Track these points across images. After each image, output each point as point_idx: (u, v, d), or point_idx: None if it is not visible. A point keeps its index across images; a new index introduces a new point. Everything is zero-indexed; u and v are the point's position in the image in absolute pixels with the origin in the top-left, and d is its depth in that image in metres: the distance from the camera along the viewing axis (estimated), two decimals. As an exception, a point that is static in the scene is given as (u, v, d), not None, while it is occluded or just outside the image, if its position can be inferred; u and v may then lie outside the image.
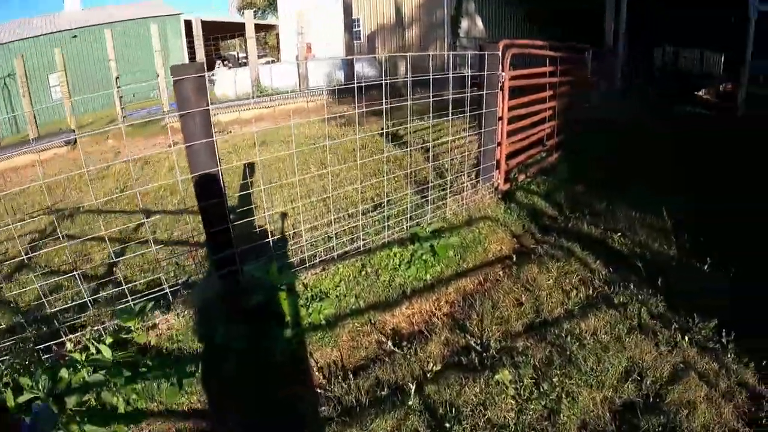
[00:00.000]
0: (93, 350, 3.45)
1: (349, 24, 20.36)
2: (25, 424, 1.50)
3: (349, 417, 3.17)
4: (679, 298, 4.24)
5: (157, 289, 4.02)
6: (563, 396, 3.21)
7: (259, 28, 35.08)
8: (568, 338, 3.73)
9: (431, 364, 3.53)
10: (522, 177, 6.99)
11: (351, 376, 3.49)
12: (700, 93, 16.92)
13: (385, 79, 4.87)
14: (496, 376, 3.34)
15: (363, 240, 4.85)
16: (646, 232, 5.59)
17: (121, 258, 5.61)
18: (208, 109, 3.53)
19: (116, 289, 4.10)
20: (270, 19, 41.58)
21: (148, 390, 3.39)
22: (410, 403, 3.18)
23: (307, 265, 4.46)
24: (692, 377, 3.37)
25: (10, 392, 3.06)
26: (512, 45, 6.23)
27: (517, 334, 3.87)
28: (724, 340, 3.65)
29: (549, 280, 4.61)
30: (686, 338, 3.72)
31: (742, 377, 3.38)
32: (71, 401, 3.11)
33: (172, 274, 4.82)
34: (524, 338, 3.82)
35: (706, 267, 4.71)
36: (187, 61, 29.08)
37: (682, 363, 3.50)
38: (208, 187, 3.68)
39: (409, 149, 5.51)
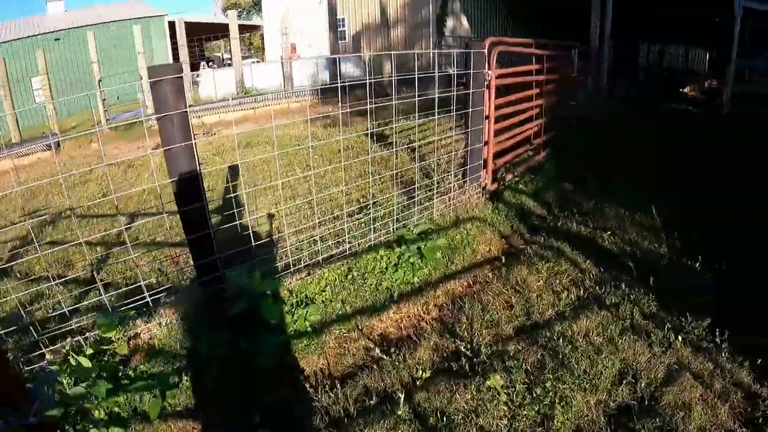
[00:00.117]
0: (73, 362, 3.33)
1: (334, 24, 20.31)
2: (33, 388, 1.47)
3: (336, 428, 3.08)
4: (671, 297, 4.18)
5: (139, 297, 3.90)
6: (557, 401, 3.14)
7: (243, 28, 34.99)
8: (560, 341, 3.65)
9: (420, 371, 3.43)
10: (509, 176, 6.93)
11: (338, 384, 3.39)
12: (686, 90, 17.03)
13: (370, 79, 4.78)
14: (488, 382, 3.26)
15: (349, 243, 4.75)
16: (635, 230, 5.56)
17: (102, 265, 5.49)
18: (187, 111, 3.41)
19: (97, 299, 4.00)
20: (255, 20, 41.50)
21: (130, 402, 3.28)
22: (399, 412, 3.08)
23: (292, 270, 4.35)
24: (687, 378, 3.31)
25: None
26: (499, 43, 6.16)
27: (507, 338, 3.79)
28: (717, 340, 3.60)
29: (539, 281, 4.53)
30: (680, 338, 3.66)
31: (737, 377, 3.33)
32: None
33: (154, 281, 4.71)
34: (515, 342, 3.73)
35: (697, 265, 4.68)
36: (171, 62, 28.89)
37: (676, 364, 3.44)
38: (188, 192, 3.56)
39: (394, 149, 5.41)
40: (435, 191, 5.63)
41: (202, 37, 31.61)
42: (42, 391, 1.73)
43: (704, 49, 18.86)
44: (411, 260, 4.64)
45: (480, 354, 3.56)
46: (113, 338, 3.67)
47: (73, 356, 3.36)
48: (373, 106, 4.67)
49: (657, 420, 2.97)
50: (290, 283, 4.26)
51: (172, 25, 25.69)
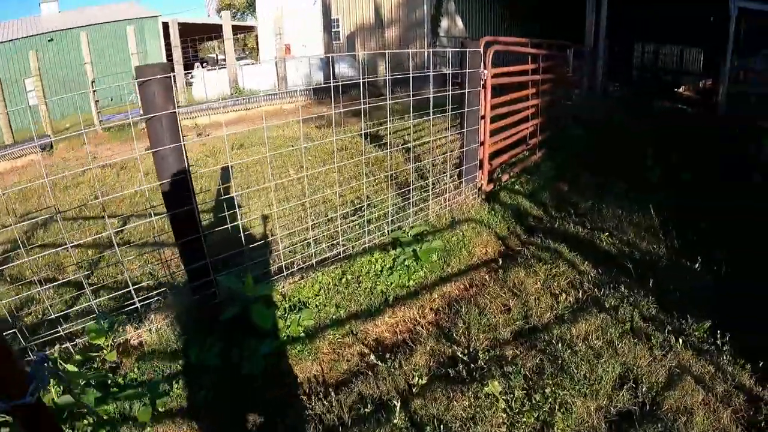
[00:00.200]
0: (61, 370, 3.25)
1: (328, 24, 20.23)
2: (30, 370, 1.44)
3: (331, 437, 3.00)
4: (670, 298, 4.15)
5: (128, 303, 3.82)
6: (556, 407, 3.06)
7: (238, 29, 34.86)
8: (559, 345, 3.58)
9: (417, 378, 3.34)
10: (505, 177, 6.86)
11: (332, 391, 3.30)
12: (680, 90, 17.03)
13: (364, 78, 4.70)
14: (486, 389, 3.17)
15: (343, 246, 4.67)
16: (633, 230, 5.51)
17: (93, 269, 5.40)
18: (176, 112, 3.32)
19: (87, 304, 3.91)
20: (249, 21, 41.36)
21: (119, 411, 3.19)
22: (395, 420, 2.99)
23: (285, 273, 4.27)
24: (688, 382, 3.25)
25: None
26: (494, 42, 6.09)
27: (505, 342, 3.71)
28: (718, 342, 3.54)
29: (537, 284, 4.45)
30: (680, 341, 3.60)
31: (739, 380, 3.28)
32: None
33: (145, 285, 4.62)
34: (513, 346, 3.65)
35: (696, 266, 4.63)
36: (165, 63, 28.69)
37: (677, 367, 3.38)
38: (177, 195, 3.47)
39: (388, 150, 5.33)
40: (430, 192, 5.55)
41: (195, 38, 31.50)
42: (38, 372, 1.67)
43: (699, 49, 18.86)
44: (406, 263, 4.56)
45: (477, 359, 3.48)
46: (102, 345, 3.58)
47: (61, 363, 3.28)
48: (368, 106, 4.58)
49: (659, 425, 2.91)
50: (283, 287, 4.18)
51: (166, 26, 25.60)
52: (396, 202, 5.64)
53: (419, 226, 4.99)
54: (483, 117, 5.97)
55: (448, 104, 5.47)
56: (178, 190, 3.46)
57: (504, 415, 3.04)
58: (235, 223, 3.95)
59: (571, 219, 5.83)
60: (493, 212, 5.89)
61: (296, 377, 3.56)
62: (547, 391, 3.16)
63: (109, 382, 3.38)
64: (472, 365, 3.43)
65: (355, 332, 3.92)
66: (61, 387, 3.08)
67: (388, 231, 4.96)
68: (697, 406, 3.07)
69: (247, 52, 39.41)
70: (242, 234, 3.97)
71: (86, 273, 4.98)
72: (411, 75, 4.86)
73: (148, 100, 3.24)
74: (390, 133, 6.11)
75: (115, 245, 3.75)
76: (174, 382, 3.43)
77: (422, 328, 3.98)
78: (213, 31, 31.94)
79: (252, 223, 5.84)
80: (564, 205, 6.28)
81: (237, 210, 4.31)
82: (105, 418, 3.12)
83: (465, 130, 5.77)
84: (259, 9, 29.77)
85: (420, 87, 4.99)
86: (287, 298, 4.10)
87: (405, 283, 4.45)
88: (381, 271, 4.53)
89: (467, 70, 5.61)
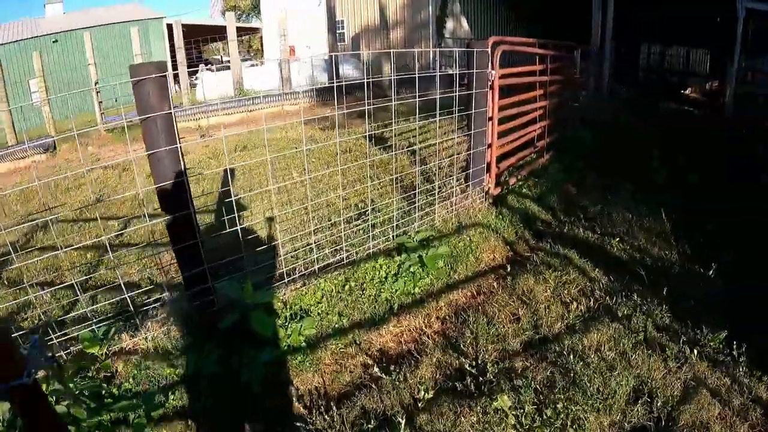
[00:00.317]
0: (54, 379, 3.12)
1: (333, 26, 20.13)
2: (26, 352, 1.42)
3: (332, 454, 2.86)
4: (684, 306, 4.01)
5: (124, 310, 3.70)
6: (569, 423, 2.92)
7: (243, 31, 34.85)
8: (571, 356, 3.43)
9: (422, 391, 3.19)
10: (513, 180, 6.72)
11: (334, 405, 3.16)
12: (687, 92, 16.91)
13: (368, 78, 4.56)
14: (495, 403, 3.03)
15: (346, 252, 4.53)
16: (644, 235, 5.38)
17: (91, 273, 5.27)
18: (171, 113, 3.18)
19: (83, 310, 3.79)
20: (254, 23, 41.33)
21: (115, 419, 3.06)
22: (400, 437, 2.86)
23: (287, 280, 4.13)
24: (704, 395, 3.12)
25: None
26: (502, 42, 5.95)
27: (515, 353, 3.56)
28: (734, 353, 3.42)
29: (546, 291, 4.31)
30: (695, 351, 3.47)
31: (756, 392, 3.15)
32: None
33: (143, 290, 4.49)
34: (523, 358, 3.51)
35: (710, 273, 4.49)
36: (169, 64, 28.69)
37: (693, 380, 3.25)
38: (173, 199, 3.34)
39: (394, 153, 5.18)
40: (437, 196, 5.41)
41: (199, 39, 31.47)
42: (33, 355, 1.67)
43: (706, 51, 18.72)
44: (412, 269, 4.42)
45: (486, 372, 3.33)
46: (97, 353, 3.46)
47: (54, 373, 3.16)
48: (372, 107, 4.44)
49: (675, 443, 2.76)
50: (284, 294, 4.05)
51: (170, 27, 25.53)
52: (401, 206, 5.50)
53: (425, 231, 4.85)
54: (490, 118, 5.83)
55: (455, 105, 5.33)
56: (175, 194, 3.33)
57: (514, 432, 2.90)
58: (235, 228, 3.81)
59: (580, 223, 5.69)
60: (500, 216, 5.75)
61: (297, 389, 3.42)
62: (559, 406, 3.02)
63: (104, 392, 3.27)
64: (481, 378, 3.28)
65: (358, 342, 3.77)
66: (54, 397, 2.96)
67: (393, 236, 4.81)
68: (714, 420, 2.95)
69: (252, 54, 39.38)
70: (242, 239, 3.84)
71: (83, 278, 4.84)
72: (417, 75, 4.72)
73: (142, 100, 3.11)
74: (395, 135, 5.95)
75: (110, 252, 3.63)
76: (170, 393, 3.30)
77: (428, 338, 3.83)
78: (217, 33, 31.92)
79: (253, 228, 5.70)
80: (573, 209, 6.14)
81: (238, 214, 4.18)
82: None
83: (472, 132, 5.63)
84: (263, 11, 29.76)
85: (425, 88, 4.85)
86: (288, 306, 3.96)
87: (410, 290, 4.30)
88: (385, 277, 4.38)
89: (474, 71, 5.46)
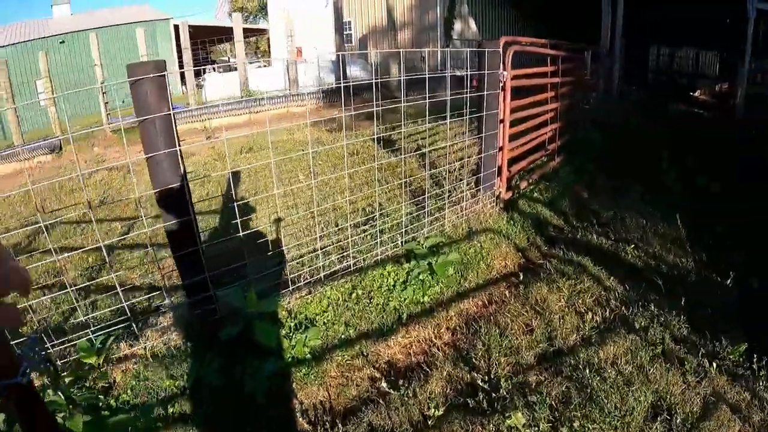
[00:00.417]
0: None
1: (340, 27, 20.03)
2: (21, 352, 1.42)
3: (337, 475, 2.72)
4: (702, 316, 3.87)
5: (123, 318, 3.57)
6: (586, 443, 2.77)
7: (250, 32, 34.81)
8: (587, 370, 3.28)
9: (432, 408, 3.04)
10: (524, 184, 6.56)
11: (340, 421, 3.01)
12: (696, 93, 16.77)
13: (377, 79, 4.42)
14: (508, 421, 2.88)
15: (353, 258, 4.39)
16: (659, 241, 5.24)
17: (89, 282, 5.15)
18: (170, 114, 3.04)
19: (81, 318, 3.68)
20: (261, 24, 41.32)
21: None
22: (409, 457, 2.71)
23: (291, 288, 3.99)
24: (724, 411, 2.98)
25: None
26: (514, 42, 5.81)
27: (528, 367, 3.40)
28: (755, 366, 3.27)
29: (560, 301, 4.15)
30: (714, 365, 3.31)
31: (776, 408, 2.98)
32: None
33: (143, 297, 4.36)
34: (537, 371, 3.35)
35: (728, 282, 4.34)
36: (176, 65, 28.71)
37: (712, 395, 3.09)
38: (172, 204, 3.20)
39: (403, 156, 5.03)
40: (446, 201, 5.26)
41: (206, 40, 31.45)
42: (28, 354, 1.55)
43: (715, 52, 18.54)
44: (421, 277, 4.27)
45: (499, 387, 3.18)
46: (93, 363, 3.34)
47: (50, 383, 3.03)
48: (380, 109, 4.30)
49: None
50: (289, 302, 3.91)
51: (178, 28, 25.50)
52: (410, 211, 5.35)
53: (434, 237, 4.71)
54: (502, 121, 5.68)
55: (465, 107, 5.19)
56: (175, 199, 3.19)
57: (529, 453, 2.75)
58: (238, 235, 3.68)
59: (593, 229, 5.54)
60: (512, 222, 5.60)
61: (302, 402, 3.27)
62: (576, 424, 2.86)
63: (101, 404, 3.15)
64: (494, 394, 3.13)
65: (365, 353, 3.62)
66: (51, 408, 2.84)
67: (401, 242, 4.67)
68: (733, 438, 2.78)
69: (259, 55, 39.36)
70: (246, 245, 3.70)
71: (84, 283, 4.72)
72: (427, 76, 4.57)
73: (140, 101, 2.97)
74: (404, 138, 5.79)
75: (110, 256, 3.50)
76: (169, 406, 3.17)
77: (438, 350, 3.67)
78: (225, 34, 31.89)
79: (258, 233, 5.57)
80: (585, 213, 6.00)
81: (243, 218, 4.04)
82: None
83: (483, 135, 5.48)
84: (270, 12, 29.76)
85: (433, 89, 4.69)
86: (293, 315, 3.82)
87: (419, 299, 4.15)
88: (394, 285, 4.23)
89: (486, 72, 5.32)
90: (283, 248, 4.37)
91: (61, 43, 27.29)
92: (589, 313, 3.94)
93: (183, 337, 3.56)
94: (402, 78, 4.33)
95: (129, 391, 3.28)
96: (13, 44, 25.73)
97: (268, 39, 32.97)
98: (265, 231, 5.61)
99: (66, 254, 5.14)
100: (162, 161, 3.08)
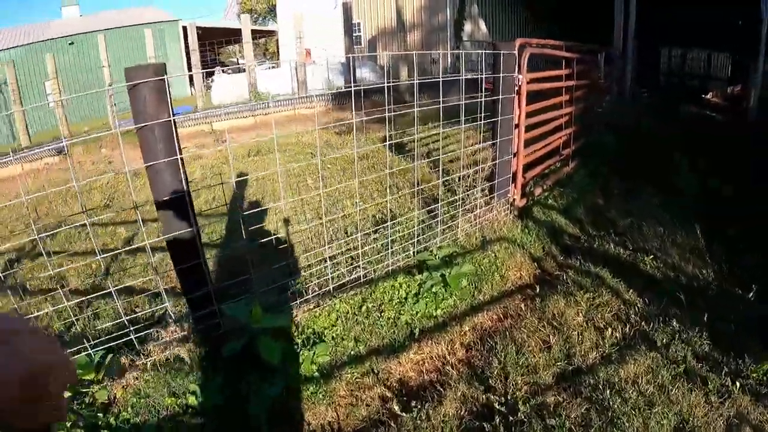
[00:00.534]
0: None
1: (350, 28, 19.89)
2: None
3: (345, 504, 2.56)
4: (724, 331, 3.71)
5: (122, 333, 3.43)
6: (608, 470, 2.61)
7: (259, 34, 34.78)
8: (607, 391, 3.12)
9: (446, 432, 2.89)
10: (538, 191, 6.39)
11: (348, 445, 2.87)
12: (708, 96, 16.60)
13: (388, 82, 4.26)
14: (527, 447, 2.72)
15: (364, 269, 4.22)
16: (677, 251, 5.07)
17: (85, 297, 5.03)
18: (171, 121, 2.88)
19: (83, 328, 3.56)
20: (270, 26, 41.30)
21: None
22: (422, 486, 2.55)
23: (299, 300, 3.83)
24: (747, 434, 2.80)
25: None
26: (529, 44, 5.65)
27: (547, 387, 3.24)
28: (778, 385, 3.09)
29: (578, 315, 3.98)
30: (738, 384, 3.15)
31: (800, 430, 2.84)
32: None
33: (145, 311, 4.22)
34: (555, 392, 3.19)
35: (750, 295, 4.17)
36: (185, 67, 28.71)
37: (735, 417, 2.94)
38: (173, 215, 3.04)
39: (416, 163, 4.86)
40: (460, 209, 5.09)
41: (214, 42, 31.44)
42: None
43: (728, 54, 18.33)
44: (434, 289, 4.10)
45: (517, 410, 3.01)
46: (93, 380, 3.21)
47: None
48: (392, 114, 4.14)
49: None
50: (296, 316, 3.75)
51: (186, 30, 25.46)
52: (422, 219, 5.19)
53: (448, 247, 4.54)
54: (517, 126, 5.52)
55: (480, 111, 5.02)
56: (176, 211, 3.03)
57: (549, 482, 2.59)
58: (242, 244, 3.54)
59: (610, 238, 5.38)
60: (526, 230, 5.42)
61: (309, 423, 3.12)
62: (598, 450, 2.71)
63: (100, 422, 3.02)
64: (511, 417, 2.96)
65: (375, 371, 3.46)
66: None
67: (413, 252, 4.50)
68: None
69: (268, 57, 39.33)
70: (251, 257, 3.56)
71: (78, 300, 4.59)
72: (441, 79, 4.41)
73: (138, 107, 2.80)
74: (416, 143, 5.61)
75: (108, 270, 3.37)
76: (170, 425, 3.03)
77: (452, 367, 3.50)
78: (233, 36, 31.88)
79: (264, 242, 5.44)
80: (602, 221, 5.84)
81: (249, 227, 3.90)
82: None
83: (498, 140, 5.30)
84: (279, 13, 29.72)
85: (445, 93, 4.52)
86: (300, 329, 3.66)
87: (432, 312, 3.99)
88: (405, 298, 4.07)
89: (501, 75, 5.15)
90: (291, 258, 4.22)
91: (70, 44, 27.30)
92: (609, 329, 3.77)
93: (186, 352, 3.42)
94: (415, 81, 4.16)
95: (129, 409, 3.15)
96: (22, 45, 25.74)
97: (277, 41, 32.92)
98: (272, 240, 5.48)
99: (65, 267, 5.02)
100: (162, 170, 2.92)
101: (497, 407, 3.05)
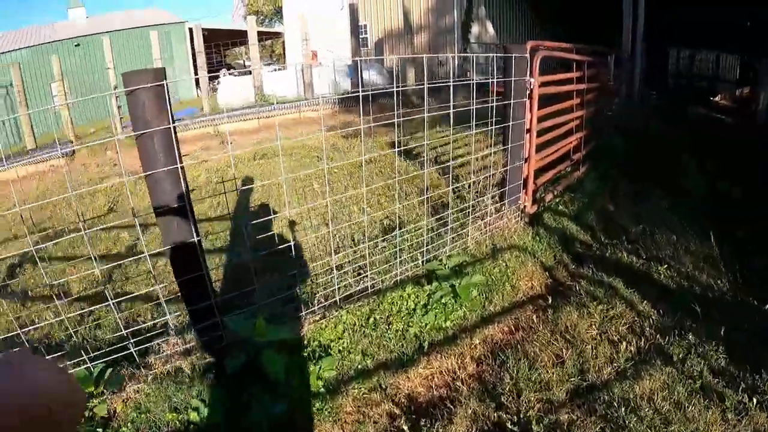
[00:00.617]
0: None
1: (356, 30, 19.82)
2: None
3: None
4: (740, 343, 3.57)
5: (122, 346, 3.34)
6: (625, 494, 2.50)
7: (265, 36, 34.77)
8: (622, 408, 2.99)
9: (458, 454, 2.77)
10: (549, 196, 6.26)
11: (355, 466, 2.76)
12: (716, 98, 16.45)
13: (397, 87, 4.15)
14: (541, 470, 2.61)
15: (371, 279, 4.11)
16: (691, 260, 4.93)
17: (85, 310, 4.94)
18: (171, 128, 2.77)
19: (83, 337, 3.48)
20: (276, 27, 41.29)
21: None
22: None
23: (304, 312, 3.73)
24: (765, 454, 2.67)
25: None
26: (541, 47, 5.53)
27: (560, 404, 3.11)
28: (794, 402, 2.98)
29: (592, 328, 3.85)
30: (755, 400, 3.02)
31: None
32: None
33: (146, 324, 4.12)
34: (569, 409, 3.06)
35: (766, 306, 4.02)
36: (191, 69, 28.69)
37: (752, 436, 2.79)
38: (173, 226, 2.93)
39: (425, 170, 4.74)
40: (470, 216, 4.98)
41: (220, 44, 31.44)
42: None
43: (736, 56, 18.17)
44: (443, 300, 3.99)
45: (530, 429, 2.89)
46: (93, 394, 3.13)
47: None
48: (401, 119, 4.03)
49: None
50: (301, 328, 3.65)
51: (192, 32, 25.43)
52: (431, 227, 5.08)
53: (457, 256, 4.42)
54: (528, 130, 5.40)
55: (490, 116, 4.91)
56: (176, 221, 2.92)
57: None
58: (246, 253, 3.43)
59: (622, 246, 5.24)
60: (537, 238, 5.30)
61: (314, 441, 3.02)
62: (614, 472, 2.59)
63: (99, 438, 2.94)
64: (524, 438, 2.85)
65: (383, 386, 3.34)
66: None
67: (422, 261, 4.39)
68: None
69: (274, 59, 39.32)
70: (255, 267, 3.46)
71: (77, 313, 4.50)
72: (452, 83, 4.30)
73: (137, 113, 2.69)
74: (426, 148, 5.51)
75: (108, 290, 3.28)
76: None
77: (462, 383, 3.37)
78: (239, 37, 31.87)
79: (269, 251, 5.34)
80: (613, 229, 5.69)
81: (254, 236, 3.81)
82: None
83: (509, 146, 5.18)
84: (285, 15, 29.67)
85: (449, 97, 4.41)
86: (306, 342, 3.56)
87: (442, 324, 3.87)
88: (414, 309, 3.95)
89: (512, 78, 5.03)
90: (296, 267, 4.11)
91: (76, 46, 27.32)
92: (623, 342, 3.65)
93: (188, 365, 3.32)
94: (425, 85, 4.05)
95: (129, 424, 3.07)
96: (28, 47, 25.76)
97: (283, 42, 32.86)
98: (277, 248, 5.38)
99: (66, 276, 4.94)
100: (162, 179, 2.81)
101: (510, 426, 2.93)
